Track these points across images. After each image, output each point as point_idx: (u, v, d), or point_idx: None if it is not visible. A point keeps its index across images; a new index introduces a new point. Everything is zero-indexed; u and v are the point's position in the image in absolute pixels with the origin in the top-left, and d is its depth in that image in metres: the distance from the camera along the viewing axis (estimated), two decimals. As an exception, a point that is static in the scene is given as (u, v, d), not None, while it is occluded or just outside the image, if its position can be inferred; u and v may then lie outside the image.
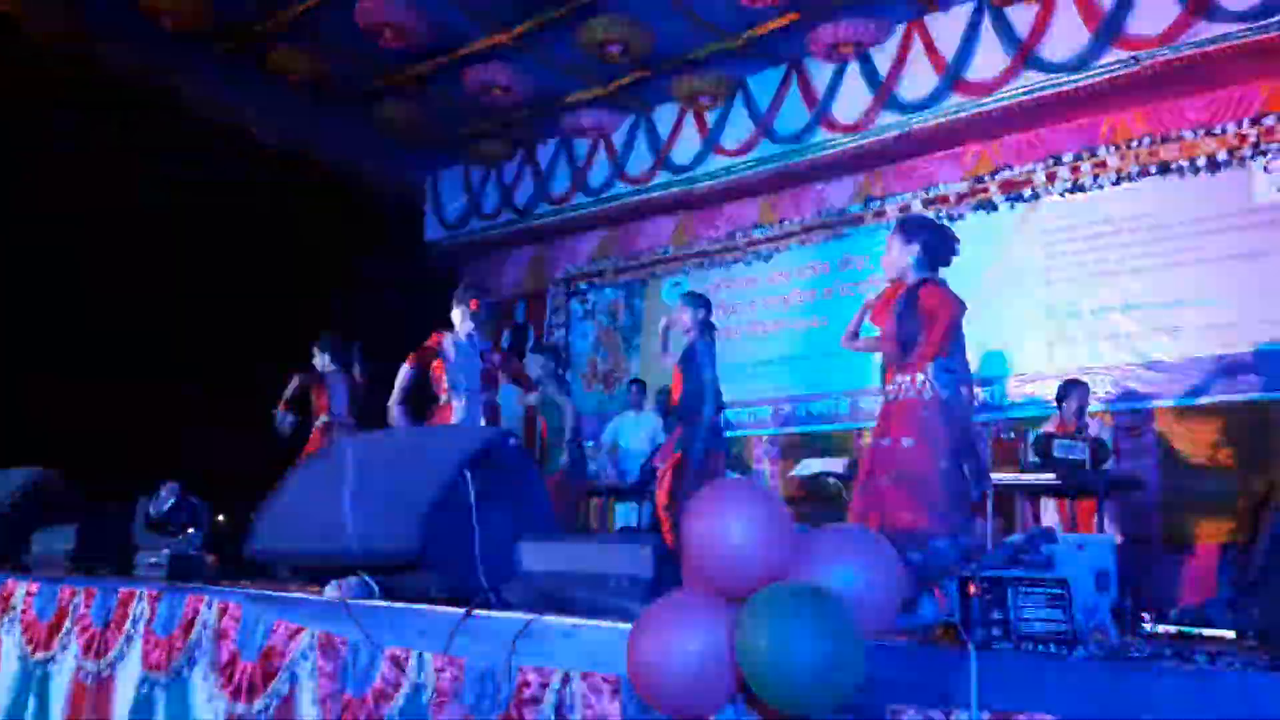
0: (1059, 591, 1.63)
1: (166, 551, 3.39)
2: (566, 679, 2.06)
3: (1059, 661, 1.57)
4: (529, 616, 2.21)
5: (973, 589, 1.71)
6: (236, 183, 7.45)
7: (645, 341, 8.41)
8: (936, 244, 3.66)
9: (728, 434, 7.48)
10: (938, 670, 1.66)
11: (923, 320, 3.52)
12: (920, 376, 3.50)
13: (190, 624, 2.82)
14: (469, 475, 2.54)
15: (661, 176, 7.95)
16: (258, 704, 2.56)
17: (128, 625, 3.04)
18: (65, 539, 3.72)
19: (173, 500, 3.51)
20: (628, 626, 1.89)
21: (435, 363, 5.08)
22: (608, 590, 2.26)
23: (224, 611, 2.76)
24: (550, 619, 2.18)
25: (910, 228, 3.70)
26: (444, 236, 9.44)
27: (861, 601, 1.77)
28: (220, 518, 4.94)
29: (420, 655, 2.30)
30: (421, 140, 8.63)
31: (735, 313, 7.89)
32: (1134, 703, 1.49)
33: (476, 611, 2.30)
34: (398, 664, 2.33)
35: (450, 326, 5.21)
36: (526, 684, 2.10)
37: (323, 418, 6.42)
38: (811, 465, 6.86)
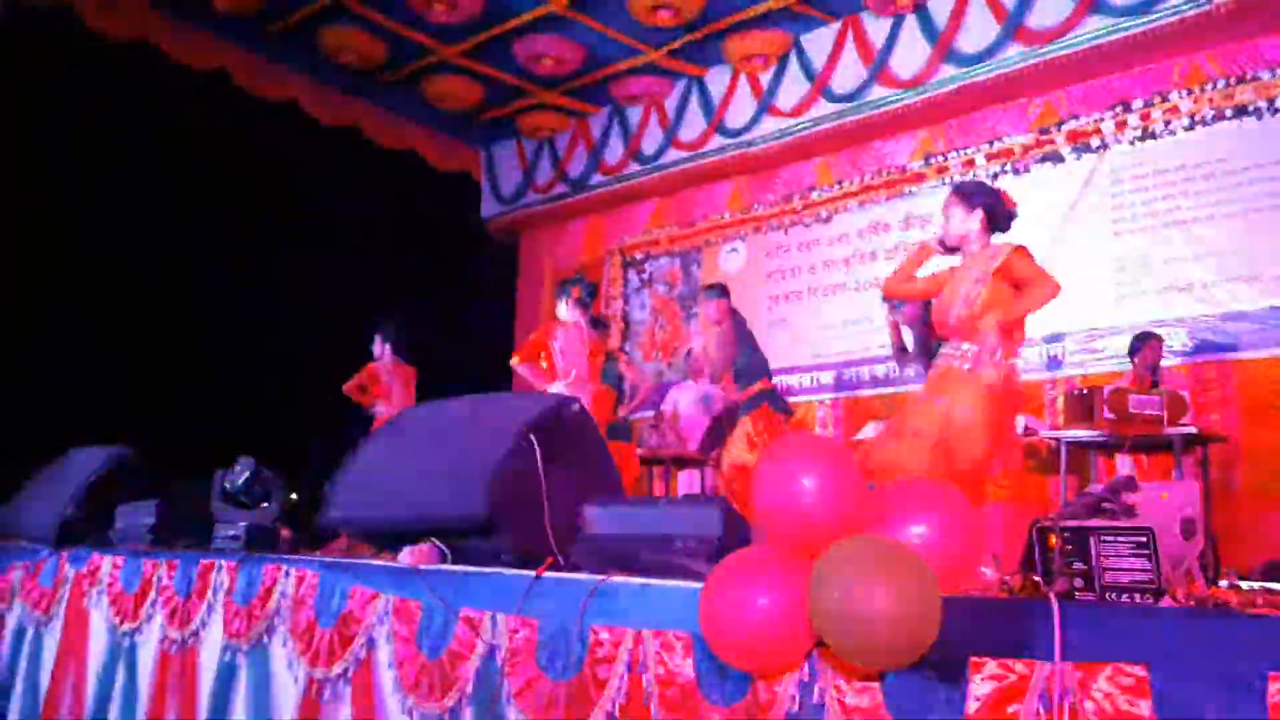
0: (1143, 539, 1.58)
1: (243, 524, 3.48)
2: (639, 638, 2.06)
3: (1146, 611, 1.52)
4: (599, 578, 2.22)
5: (1053, 540, 1.67)
6: (292, 163, 7.54)
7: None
8: (996, 209, 3.57)
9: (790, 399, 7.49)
10: (1019, 621, 1.62)
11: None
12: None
13: (269, 593, 2.90)
14: (533, 439, 2.56)
15: (716, 141, 7.86)
16: (336, 668, 2.62)
17: (209, 595, 3.13)
18: (147, 514, 3.85)
19: (248, 474, 3.59)
20: (699, 586, 1.89)
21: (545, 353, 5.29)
22: (676, 552, 2.26)
23: (301, 580, 2.83)
24: (619, 579, 2.18)
25: (970, 193, 3.60)
26: (500, 211, 9.48)
27: (937, 555, 1.74)
28: (293, 495, 5.05)
29: (494, 616, 2.33)
30: (475, 116, 8.65)
31: (795, 276, 7.81)
32: (1226, 651, 1.44)
33: (546, 574, 2.32)
34: (472, 626, 2.36)
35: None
36: (599, 643, 2.11)
37: (380, 408, 6.54)
38: (875, 429, 6.78)
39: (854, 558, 1.64)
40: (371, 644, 2.57)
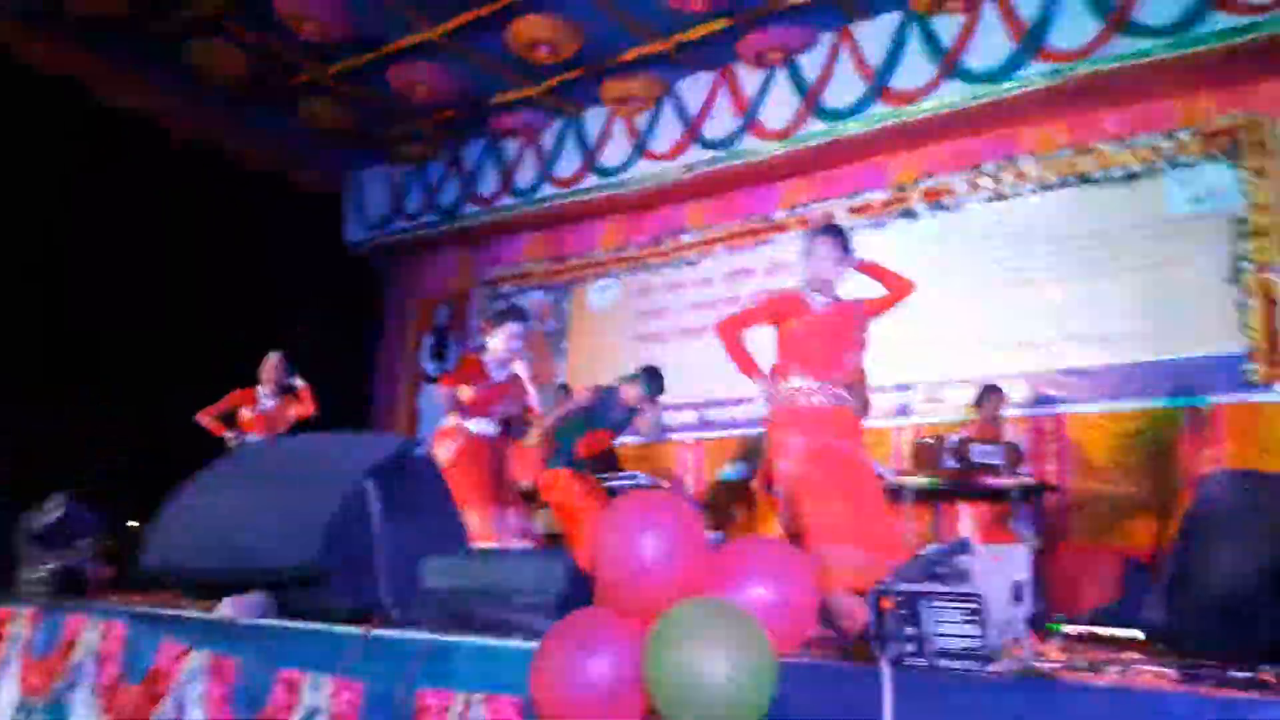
0: (973, 606, 1.58)
1: (50, 566, 3.18)
2: (468, 703, 1.96)
3: (973, 679, 1.53)
4: (429, 636, 2.10)
5: (887, 604, 1.66)
6: (149, 180, 7.14)
7: (572, 345, 8.31)
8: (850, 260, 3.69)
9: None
10: (851, 688, 1.60)
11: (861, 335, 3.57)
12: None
13: (70, 646, 2.64)
14: (372, 487, 2.43)
15: (591, 179, 7.86)
16: (142, 730, 2.40)
17: (5, 647, 2.84)
18: (-58, 553, 3.49)
19: (60, 512, 3.30)
20: (535, 646, 1.80)
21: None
22: (515, 608, 2.16)
23: (107, 633, 2.59)
24: (453, 638, 2.08)
25: (846, 238, 3.70)
26: (365, 237, 9.21)
27: (776, 617, 1.71)
28: (133, 523, 4.68)
29: (316, 678, 2.18)
30: (344, 139, 8.40)
31: (663, 317, 7.85)
32: (1047, 721, 1.46)
33: (375, 631, 2.19)
34: (291, 688, 2.20)
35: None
36: (425, 708, 1.99)
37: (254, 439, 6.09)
38: (734, 469, 6.87)
39: (687, 622, 1.59)
40: (181, 706, 2.36)
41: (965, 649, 1.59)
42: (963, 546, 1.83)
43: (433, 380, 9.14)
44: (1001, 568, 1.73)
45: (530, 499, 5.47)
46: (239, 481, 2.74)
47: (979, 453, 5.22)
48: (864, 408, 5.31)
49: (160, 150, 7.42)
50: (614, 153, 7.68)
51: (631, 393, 5.50)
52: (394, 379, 9.33)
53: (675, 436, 7.51)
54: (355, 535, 2.36)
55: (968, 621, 1.59)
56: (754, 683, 1.57)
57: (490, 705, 1.93)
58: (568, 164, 7.94)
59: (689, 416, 7.46)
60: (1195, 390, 5.56)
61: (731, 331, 3.72)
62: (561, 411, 5.48)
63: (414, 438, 2.52)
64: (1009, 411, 5.98)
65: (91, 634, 2.60)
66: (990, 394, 5.79)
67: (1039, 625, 2.22)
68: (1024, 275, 6.26)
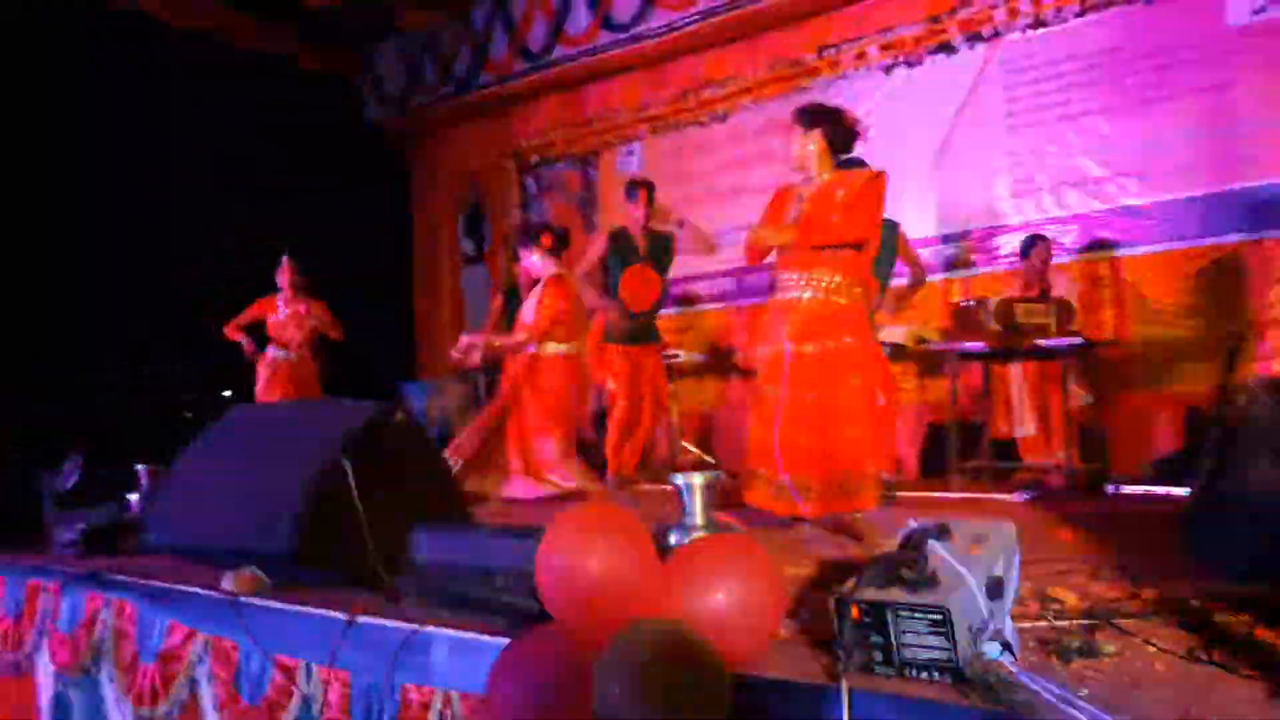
0: (939, 618, 1.47)
1: (81, 526, 3.25)
2: (448, 699, 1.94)
3: (936, 707, 1.42)
4: (413, 627, 2.08)
5: (855, 612, 1.55)
6: (152, 78, 6.89)
7: (604, 216, 8.07)
8: (835, 130, 3.39)
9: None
10: (810, 705, 1.52)
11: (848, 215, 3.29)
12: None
13: (91, 622, 2.72)
14: (348, 461, 2.36)
15: (604, 36, 7.40)
16: (161, 708, 2.48)
17: (38, 618, 2.94)
18: (-16, 513, 3.59)
19: (77, 473, 3.34)
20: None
21: None
22: (496, 588, 2.12)
23: (121, 611, 2.65)
24: (434, 629, 2.05)
25: (805, 114, 3.41)
26: (386, 115, 8.93)
27: (733, 628, 1.62)
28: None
29: (308, 666, 2.20)
30: (351, 14, 8.00)
31: (694, 179, 7.52)
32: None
33: (361, 619, 2.17)
34: (287, 674, 2.22)
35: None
36: (409, 703, 1.99)
37: (274, 353, 6.07)
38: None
39: (634, 648, 1.51)
40: (195, 685, 2.42)
41: (931, 660, 1.49)
42: (938, 530, 1.70)
43: (472, 260, 9.04)
44: (980, 560, 1.60)
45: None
46: (229, 454, 2.71)
47: (1024, 312, 4.94)
48: (917, 280, 5.06)
49: (164, 42, 7.13)
50: (625, 5, 7.19)
51: (636, 213, 5.23)
52: (434, 262, 9.24)
53: (716, 306, 7.34)
54: (333, 514, 2.32)
55: (934, 633, 1.48)
56: (702, 707, 1.50)
57: (468, 703, 1.92)
58: (578, 21, 7.47)
59: (728, 284, 7.26)
60: (1260, 223, 5.14)
61: (756, 254, 3.54)
62: (586, 265, 5.29)
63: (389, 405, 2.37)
64: (1062, 258, 5.65)
65: (108, 612, 2.67)
66: (1036, 243, 5.45)
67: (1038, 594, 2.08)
68: (1070, 109, 5.75)
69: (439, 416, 7.97)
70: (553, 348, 4.87)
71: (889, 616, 1.51)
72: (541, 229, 5.08)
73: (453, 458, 4.60)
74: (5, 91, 6.13)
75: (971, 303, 5.07)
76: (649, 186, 5.31)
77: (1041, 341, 4.88)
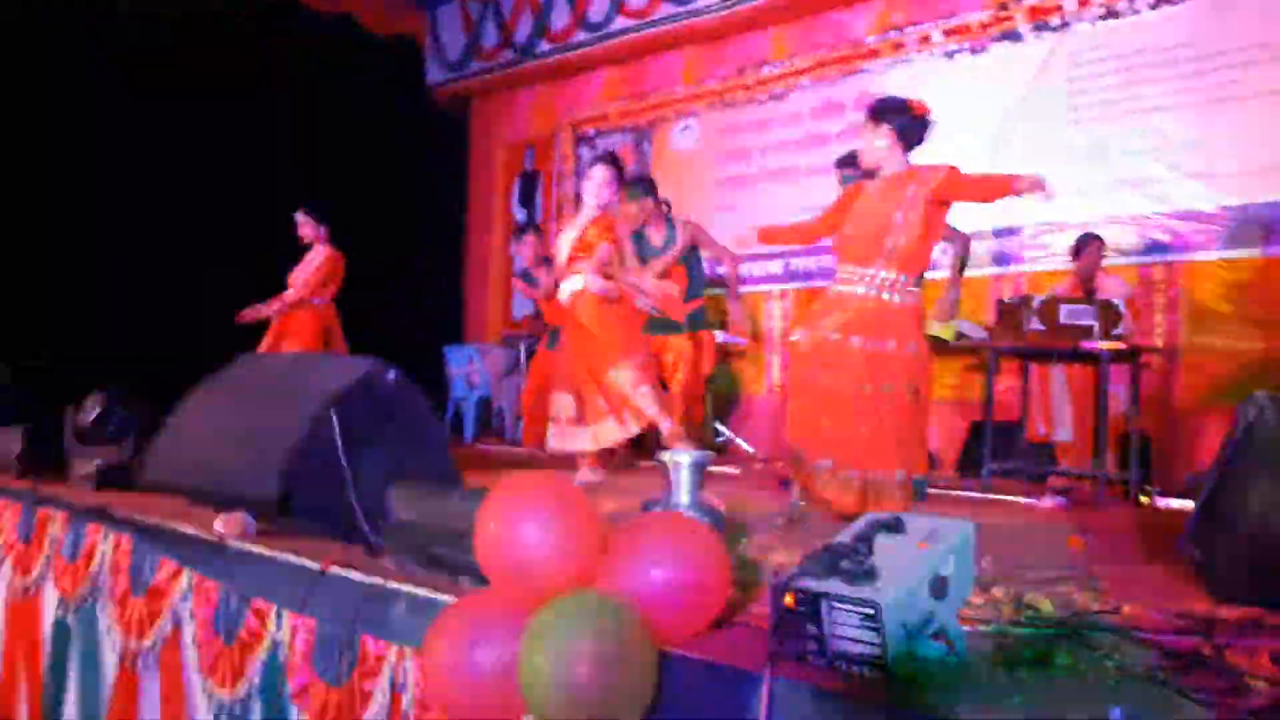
0: (871, 613, 1.43)
1: (97, 462, 3.36)
2: (401, 654, 1.96)
3: (858, 702, 1.39)
4: (377, 581, 2.10)
5: (790, 599, 1.52)
6: (222, 37, 7.03)
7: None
8: (907, 124, 3.30)
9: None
10: (735, 691, 1.49)
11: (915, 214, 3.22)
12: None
13: (91, 554, 2.81)
14: (336, 416, 2.39)
15: (665, 9, 7.34)
16: (147, 640, 2.55)
17: (45, 545, 3.04)
18: (14, 440, 3.73)
19: (98, 410, 3.45)
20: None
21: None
22: (465, 549, 2.12)
23: (118, 545, 2.73)
24: (397, 585, 2.07)
25: (877, 110, 3.34)
26: (446, 79, 8.99)
27: (669, 607, 1.60)
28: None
29: (279, 612, 2.23)
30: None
31: (748, 159, 7.42)
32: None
33: (332, 569, 2.20)
34: (260, 617, 2.26)
35: None
36: (365, 655, 2.01)
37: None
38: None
39: (560, 619, 1.50)
40: (178, 620, 2.49)
41: (861, 654, 1.45)
42: (892, 524, 1.66)
43: (523, 229, 9.07)
44: (926, 557, 1.55)
45: None
46: (228, 400, 2.77)
47: (1068, 313, 4.78)
48: (961, 259, 4.88)
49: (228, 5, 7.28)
50: (689, -23, 7.12)
51: (632, 209, 5.13)
52: (486, 228, 9.30)
53: (762, 288, 7.26)
54: (318, 467, 2.35)
55: (865, 628, 1.44)
56: (626, 684, 1.48)
57: (419, 661, 1.93)
58: (640, -9, 7.42)
59: (775, 267, 7.17)
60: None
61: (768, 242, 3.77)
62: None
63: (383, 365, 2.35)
64: (1114, 260, 5.45)
65: (106, 545, 2.75)
66: (1089, 242, 5.24)
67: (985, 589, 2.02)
68: (1135, 105, 5.52)
69: (482, 379, 8.06)
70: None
71: (823, 607, 1.48)
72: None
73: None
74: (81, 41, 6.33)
75: (1016, 300, 4.92)
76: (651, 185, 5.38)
77: (1085, 344, 4.72)
